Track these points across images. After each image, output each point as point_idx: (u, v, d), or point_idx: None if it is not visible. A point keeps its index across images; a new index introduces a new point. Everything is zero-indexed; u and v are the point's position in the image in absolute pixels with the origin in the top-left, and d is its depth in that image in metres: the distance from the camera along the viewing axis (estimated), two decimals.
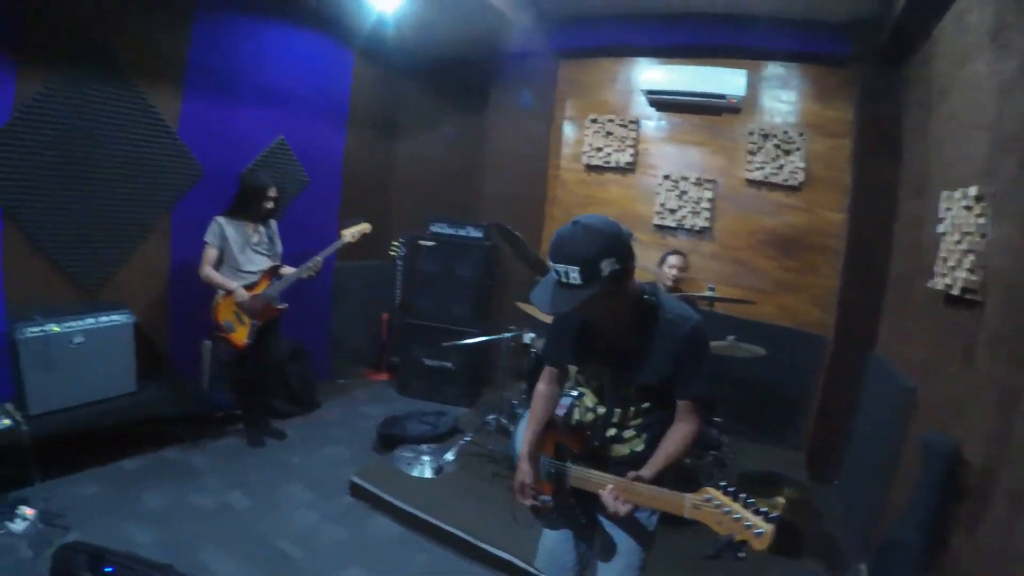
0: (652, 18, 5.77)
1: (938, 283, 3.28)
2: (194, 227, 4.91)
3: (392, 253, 6.65)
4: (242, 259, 4.86)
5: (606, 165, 6.34)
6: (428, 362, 6.20)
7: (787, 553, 3.86)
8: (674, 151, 6.12)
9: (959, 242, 3.08)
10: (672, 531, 3.27)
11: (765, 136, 5.64)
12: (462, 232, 6.34)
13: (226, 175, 5.29)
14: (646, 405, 2.30)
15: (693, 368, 2.20)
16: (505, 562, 3.70)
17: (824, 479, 5.00)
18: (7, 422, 4.14)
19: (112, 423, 4.58)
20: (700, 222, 5.93)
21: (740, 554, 3.78)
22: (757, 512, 1.81)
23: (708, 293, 4.85)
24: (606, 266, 1.99)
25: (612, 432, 2.36)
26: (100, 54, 4.64)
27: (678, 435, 2.23)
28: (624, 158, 6.22)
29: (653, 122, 6.20)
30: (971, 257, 2.93)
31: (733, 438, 5.07)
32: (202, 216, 4.85)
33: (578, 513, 2.40)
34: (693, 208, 5.94)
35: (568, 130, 6.65)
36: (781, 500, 4.08)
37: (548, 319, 3.42)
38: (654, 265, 5.50)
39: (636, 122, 6.21)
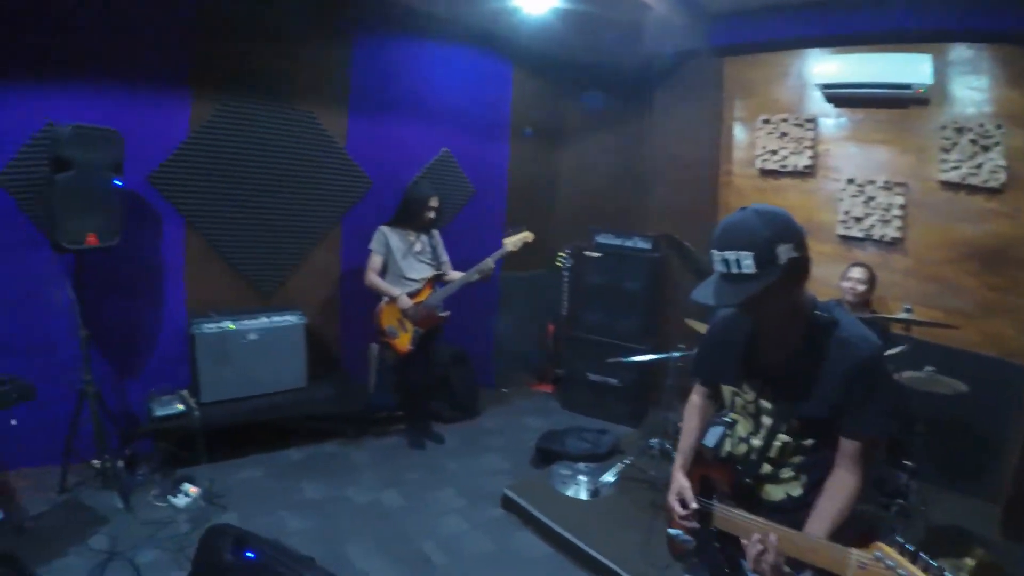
0: (818, 4, 5.18)
1: None
2: (363, 236, 5.13)
3: (558, 264, 6.53)
4: (405, 267, 4.99)
5: (782, 169, 5.72)
6: (593, 377, 6.00)
7: None
8: (857, 151, 5.36)
9: None
10: None
11: (959, 130, 4.77)
12: (628, 243, 6.05)
13: (393, 186, 5.48)
14: (810, 442, 1.95)
15: (867, 400, 1.81)
16: None
17: (1022, 539, 4.25)
18: (181, 407, 4.61)
19: (280, 415, 4.95)
20: (891, 232, 5.12)
21: None
22: None
23: (904, 315, 4.21)
24: (783, 252, 1.74)
25: (767, 469, 2.03)
26: (269, 78, 5.11)
27: (841, 492, 1.86)
28: (802, 161, 5.56)
29: (832, 119, 5.50)
30: None
31: (922, 484, 4.44)
32: (371, 225, 5.09)
33: (721, 559, 2.10)
34: (882, 216, 5.15)
35: (739, 132, 6.11)
36: (969, 562, 3.48)
37: None
38: (838, 281, 4.79)
39: (813, 120, 5.54)
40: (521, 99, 6.61)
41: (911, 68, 4.89)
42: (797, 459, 2.00)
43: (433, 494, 4.48)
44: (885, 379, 1.91)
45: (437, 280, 5.10)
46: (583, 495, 4.37)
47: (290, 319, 5.07)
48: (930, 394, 3.93)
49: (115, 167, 4.24)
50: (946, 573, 1.44)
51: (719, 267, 1.82)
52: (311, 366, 5.18)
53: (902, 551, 1.49)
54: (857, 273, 4.61)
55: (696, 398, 2.38)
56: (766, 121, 5.79)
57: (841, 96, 5.35)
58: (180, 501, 4.27)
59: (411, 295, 4.95)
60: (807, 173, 5.61)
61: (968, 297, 4.89)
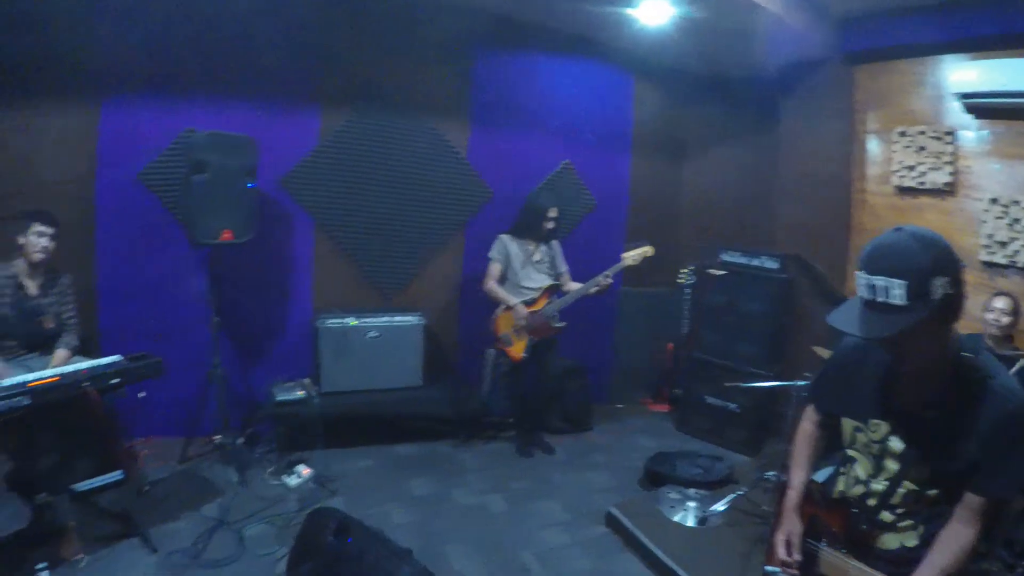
0: (954, 4, 4.70)
1: None
2: (484, 244, 5.26)
3: (680, 280, 6.35)
4: (523, 275, 5.05)
5: (920, 187, 5.20)
6: (710, 400, 5.82)
7: None
8: (1002, 168, 4.79)
9: None
10: None
11: None
12: (755, 262, 5.79)
13: (514, 197, 5.56)
14: (934, 492, 1.80)
15: (1007, 457, 1.66)
16: None
17: None
18: (301, 394, 4.91)
19: (394, 411, 5.18)
20: None
21: None
22: None
23: None
24: (938, 286, 1.57)
25: (886, 517, 1.88)
26: (393, 91, 5.46)
27: (955, 545, 1.71)
28: (941, 178, 5.04)
29: (972, 132, 4.93)
30: None
31: None
32: (492, 234, 5.22)
33: None
34: None
35: (872, 146, 5.64)
36: None
37: None
38: (979, 311, 4.32)
39: (952, 133, 5.00)
40: (643, 111, 6.54)
41: None
42: (918, 509, 1.85)
43: (537, 504, 4.48)
44: None
45: (554, 290, 5.12)
46: (690, 522, 4.22)
47: (410, 319, 5.28)
48: None
49: (250, 170, 4.66)
50: None
51: (863, 292, 1.66)
52: (427, 366, 5.37)
53: None
54: (1001, 304, 4.21)
55: (808, 426, 2.24)
56: (902, 134, 5.31)
57: (982, 106, 4.83)
58: (292, 481, 4.57)
59: (527, 304, 4.99)
60: (946, 191, 5.10)
61: None
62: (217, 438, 4.95)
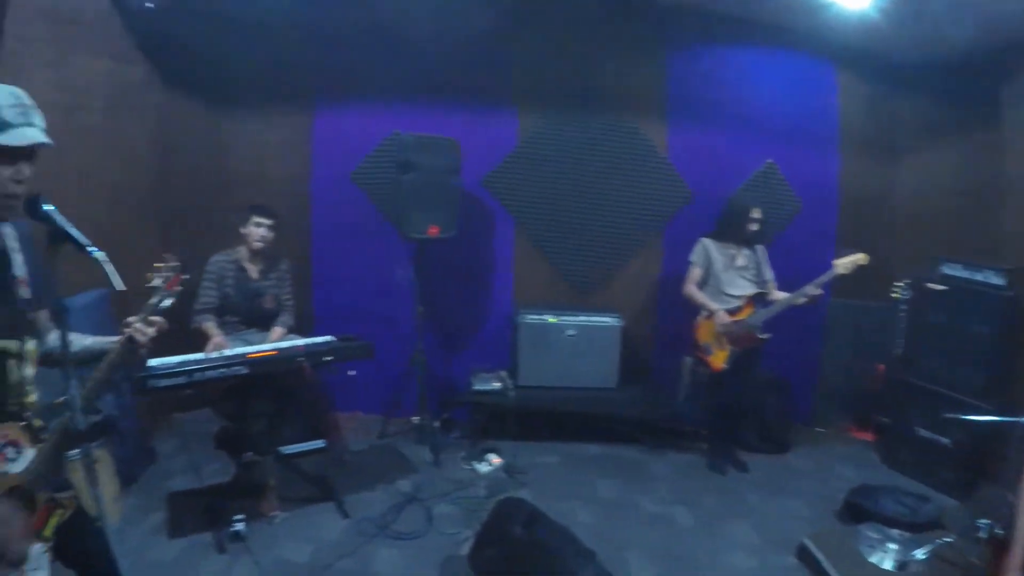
0: None
1: None
2: (683, 246, 5.17)
3: (894, 295, 5.56)
4: (725, 281, 4.92)
5: None
6: (921, 432, 5.28)
7: None
8: None
9: None
10: None
11: None
12: (978, 276, 5.14)
13: (715, 198, 5.42)
14: None
15: None
16: None
17: None
18: (498, 385, 5.21)
19: (587, 410, 5.29)
20: None
21: None
22: None
23: None
24: None
25: None
26: (589, 91, 5.55)
27: None
28: None
29: None
30: None
31: None
32: (691, 236, 5.12)
33: None
34: None
35: None
36: None
37: None
38: None
39: None
40: (848, 104, 6.02)
41: None
42: None
43: (725, 524, 4.36)
44: None
45: (759, 299, 4.93)
46: (888, 565, 3.92)
47: (607, 320, 5.33)
48: None
49: (453, 170, 5.02)
50: None
51: None
52: (623, 369, 5.40)
53: None
54: None
55: None
56: None
57: None
58: (483, 468, 4.86)
59: (730, 312, 4.85)
60: None
61: None
62: (415, 419, 5.39)
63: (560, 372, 5.29)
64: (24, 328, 1.97)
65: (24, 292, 1.98)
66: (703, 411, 5.34)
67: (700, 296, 4.96)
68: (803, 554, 4.05)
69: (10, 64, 3.78)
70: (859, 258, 4.62)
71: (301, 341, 4.34)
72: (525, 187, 5.66)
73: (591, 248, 5.76)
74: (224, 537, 3.81)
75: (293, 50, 5.42)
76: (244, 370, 3.78)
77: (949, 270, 5.39)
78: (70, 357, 1.84)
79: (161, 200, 5.21)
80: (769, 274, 5.06)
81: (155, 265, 2.29)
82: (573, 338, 5.27)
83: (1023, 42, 5.05)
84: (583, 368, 5.31)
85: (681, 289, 5.08)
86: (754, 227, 4.91)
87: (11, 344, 1.92)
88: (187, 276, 2.38)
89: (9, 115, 1.74)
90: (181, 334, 4.39)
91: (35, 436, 1.97)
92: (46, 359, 2.13)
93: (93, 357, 2.17)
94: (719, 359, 4.90)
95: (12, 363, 1.93)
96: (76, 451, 1.95)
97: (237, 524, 3.83)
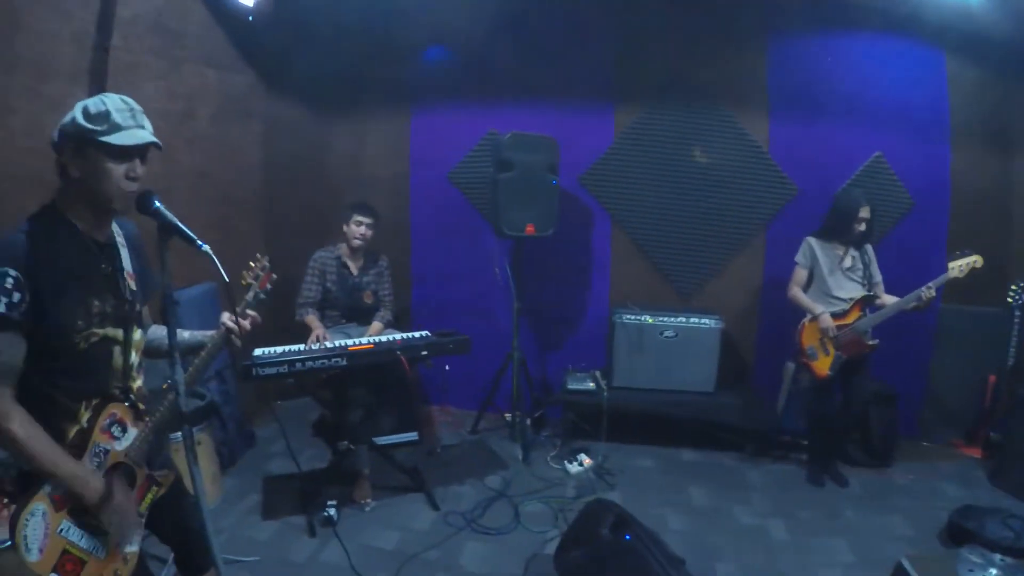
0: None
1: None
2: (787, 246, 5.02)
3: (1009, 300, 5.34)
4: (832, 283, 4.74)
5: None
6: None
7: None
8: None
9: None
10: None
11: None
12: None
13: (821, 194, 5.24)
14: None
15: None
16: None
17: None
18: (592, 385, 5.27)
19: (683, 414, 5.25)
20: None
21: None
22: None
23: None
24: None
25: None
26: (686, 85, 5.49)
27: None
28: None
29: None
30: None
31: None
32: (796, 235, 4.93)
33: None
34: None
35: None
36: None
37: None
38: None
39: None
40: (959, 93, 5.58)
41: None
42: None
43: (821, 539, 4.22)
44: None
45: (867, 302, 4.71)
46: None
47: (707, 322, 5.25)
48: None
49: (551, 168, 5.11)
50: None
51: None
52: (721, 373, 5.32)
53: None
54: None
55: None
56: None
57: None
58: (573, 468, 4.91)
59: (836, 316, 4.68)
60: None
61: None
62: (508, 416, 5.50)
63: (656, 374, 5.26)
64: (131, 319, 2.16)
65: (131, 285, 2.17)
66: (804, 420, 5.17)
67: (805, 299, 4.81)
68: (900, 575, 3.96)
69: (124, 77, 4.10)
70: (975, 261, 4.36)
71: (399, 335, 4.52)
72: (622, 184, 5.65)
73: (690, 247, 5.69)
74: (316, 521, 4.05)
75: (390, 53, 5.69)
76: (343, 362, 3.99)
77: None
78: (178, 348, 2.00)
79: (266, 199, 5.64)
80: (878, 276, 4.84)
81: (250, 264, 2.50)
82: (671, 339, 5.23)
83: None
84: (680, 371, 5.26)
85: (785, 291, 4.93)
86: (862, 227, 4.67)
87: (118, 332, 2.11)
88: (276, 276, 2.58)
89: (119, 118, 1.93)
90: (284, 326, 4.70)
91: (139, 417, 2.16)
92: (148, 349, 2.34)
93: (190, 350, 2.38)
94: (823, 365, 4.74)
95: (117, 350, 2.12)
96: (178, 433, 2.11)
97: (329, 509, 4.07)
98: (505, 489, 4.62)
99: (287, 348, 4.07)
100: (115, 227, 2.18)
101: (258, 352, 3.91)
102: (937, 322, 5.80)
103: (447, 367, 5.70)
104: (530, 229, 5.03)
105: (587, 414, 5.22)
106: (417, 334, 4.48)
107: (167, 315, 2.00)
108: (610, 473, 4.88)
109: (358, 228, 4.88)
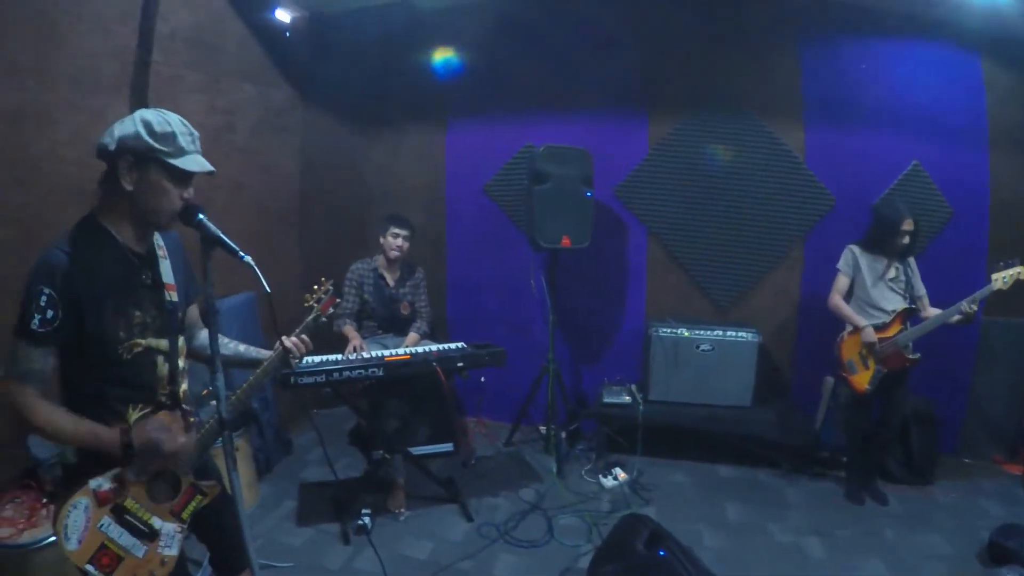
0: None
1: None
2: (826, 258, 5.02)
3: None
4: (875, 295, 4.70)
5: None
6: None
7: None
8: None
9: None
10: None
11: None
12: None
13: (859, 204, 5.29)
14: None
15: None
16: None
17: None
18: (627, 399, 5.31)
19: (719, 429, 5.23)
20: None
21: None
22: None
23: None
24: None
25: None
26: (719, 95, 5.50)
27: None
28: None
29: None
30: None
31: None
32: (834, 247, 4.92)
33: None
34: None
35: None
36: None
37: None
38: None
39: None
40: (996, 98, 5.48)
41: None
42: None
43: (859, 559, 4.19)
44: None
45: (910, 315, 4.65)
46: None
47: (744, 336, 5.27)
48: None
49: (586, 180, 5.16)
50: None
51: None
52: (758, 387, 5.33)
53: None
54: None
55: None
56: None
57: None
58: (608, 482, 4.96)
59: (877, 328, 4.64)
60: None
61: None
62: (542, 429, 5.57)
63: (692, 388, 5.29)
64: (173, 327, 2.26)
65: (172, 295, 2.26)
66: (844, 435, 5.15)
67: (846, 309, 4.78)
68: None
69: (165, 91, 4.24)
70: (1018, 271, 4.26)
71: (435, 346, 4.60)
72: (657, 196, 5.70)
73: (727, 259, 5.71)
74: (350, 529, 4.18)
75: (425, 68, 5.82)
76: (380, 372, 4.10)
77: None
78: (219, 355, 2.09)
79: (303, 211, 5.76)
80: (921, 289, 4.80)
81: (313, 287, 2.60)
82: (707, 353, 5.25)
83: None
84: (717, 385, 5.28)
85: (824, 303, 4.90)
86: (906, 240, 4.65)
87: (161, 342, 2.21)
88: (339, 300, 2.68)
89: (184, 142, 2.04)
90: (323, 336, 4.83)
91: (189, 427, 2.23)
92: (192, 355, 2.46)
93: (246, 364, 2.50)
94: (863, 380, 4.71)
95: (161, 359, 2.21)
96: (218, 439, 2.21)
97: (364, 517, 4.20)
98: (539, 502, 4.69)
99: (325, 358, 4.19)
100: (157, 238, 2.27)
101: None
102: (979, 335, 5.70)
103: (483, 379, 5.80)
104: (566, 241, 5.09)
105: (622, 428, 5.25)
106: (453, 345, 4.56)
107: (209, 324, 2.09)
108: (645, 488, 4.92)
109: (394, 240, 4.98)
